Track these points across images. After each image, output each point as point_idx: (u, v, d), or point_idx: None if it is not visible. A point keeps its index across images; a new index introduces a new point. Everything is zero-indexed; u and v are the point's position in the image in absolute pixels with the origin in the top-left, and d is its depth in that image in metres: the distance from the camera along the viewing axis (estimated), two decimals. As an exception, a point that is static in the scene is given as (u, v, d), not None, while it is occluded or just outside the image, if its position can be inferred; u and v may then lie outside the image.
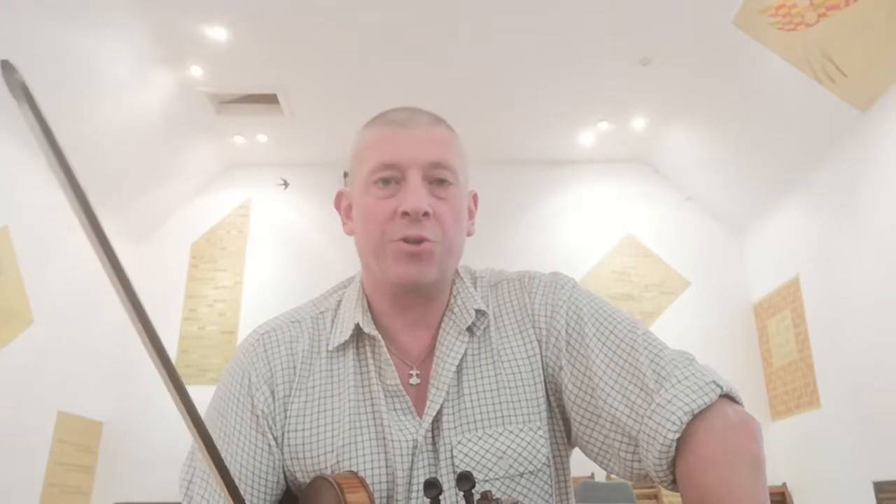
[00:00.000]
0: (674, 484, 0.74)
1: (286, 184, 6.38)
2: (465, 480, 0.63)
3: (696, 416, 0.72)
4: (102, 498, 5.39)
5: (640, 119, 5.80)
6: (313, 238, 6.26)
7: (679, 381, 0.75)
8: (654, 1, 4.39)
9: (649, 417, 0.74)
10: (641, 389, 0.77)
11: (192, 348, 5.93)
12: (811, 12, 3.99)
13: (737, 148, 5.45)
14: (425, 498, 0.66)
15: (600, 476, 5.04)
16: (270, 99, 5.58)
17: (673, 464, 0.73)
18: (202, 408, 0.65)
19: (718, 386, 0.74)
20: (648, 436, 0.74)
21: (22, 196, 4.56)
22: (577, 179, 6.43)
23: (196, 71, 5.06)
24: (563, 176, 6.43)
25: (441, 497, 0.66)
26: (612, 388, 0.79)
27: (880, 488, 4.13)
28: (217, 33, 4.69)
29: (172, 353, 5.85)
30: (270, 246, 6.28)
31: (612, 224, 6.29)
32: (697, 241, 6.22)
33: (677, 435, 0.71)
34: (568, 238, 6.25)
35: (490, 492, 0.64)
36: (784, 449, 5.34)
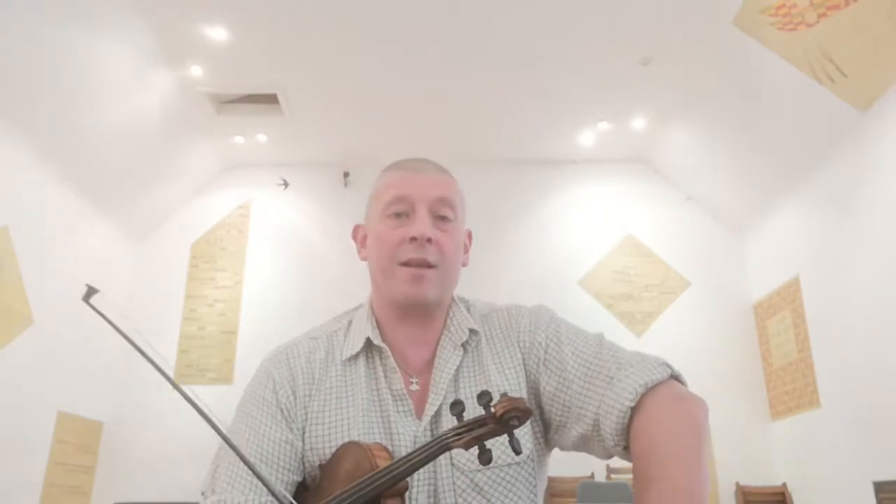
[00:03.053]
0: (626, 451, 0.86)
1: (286, 184, 6.38)
2: (484, 395, 0.74)
3: (650, 390, 0.86)
4: (102, 498, 5.39)
5: (640, 119, 5.80)
6: (313, 238, 6.26)
7: (634, 365, 0.90)
8: (654, 1, 4.40)
9: (609, 395, 0.89)
10: (604, 379, 0.92)
11: (192, 348, 5.93)
12: (811, 12, 3.99)
13: (737, 148, 5.45)
14: (451, 415, 0.77)
15: (600, 476, 5.05)
16: (270, 99, 5.58)
17: (627, 430, 0.85)
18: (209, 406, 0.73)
19: (669, 367, 0.90)
20: (609, 407, 0.88)
21: (22, 196, 4.55)
22: (577, 179, 6.44)
23: (196, 71, 5.06)
24: (563, 176, 6.44)
25: (463, 413, 0.76)
26: (581, 384, 0.94)
27: (880, 488, 4.13)
28: (217, 33, 4.70)
29: (172, 353, 5.86)
30: (270, 246, 6.29)
31: (612, 224, 6.29)
32: (697, 241, 6.22)
33: (633, 403, 0.85)
34: (568, 238, 6.25)
35: (506, 393, 0.74)
36: (784, 449, 5.35)
